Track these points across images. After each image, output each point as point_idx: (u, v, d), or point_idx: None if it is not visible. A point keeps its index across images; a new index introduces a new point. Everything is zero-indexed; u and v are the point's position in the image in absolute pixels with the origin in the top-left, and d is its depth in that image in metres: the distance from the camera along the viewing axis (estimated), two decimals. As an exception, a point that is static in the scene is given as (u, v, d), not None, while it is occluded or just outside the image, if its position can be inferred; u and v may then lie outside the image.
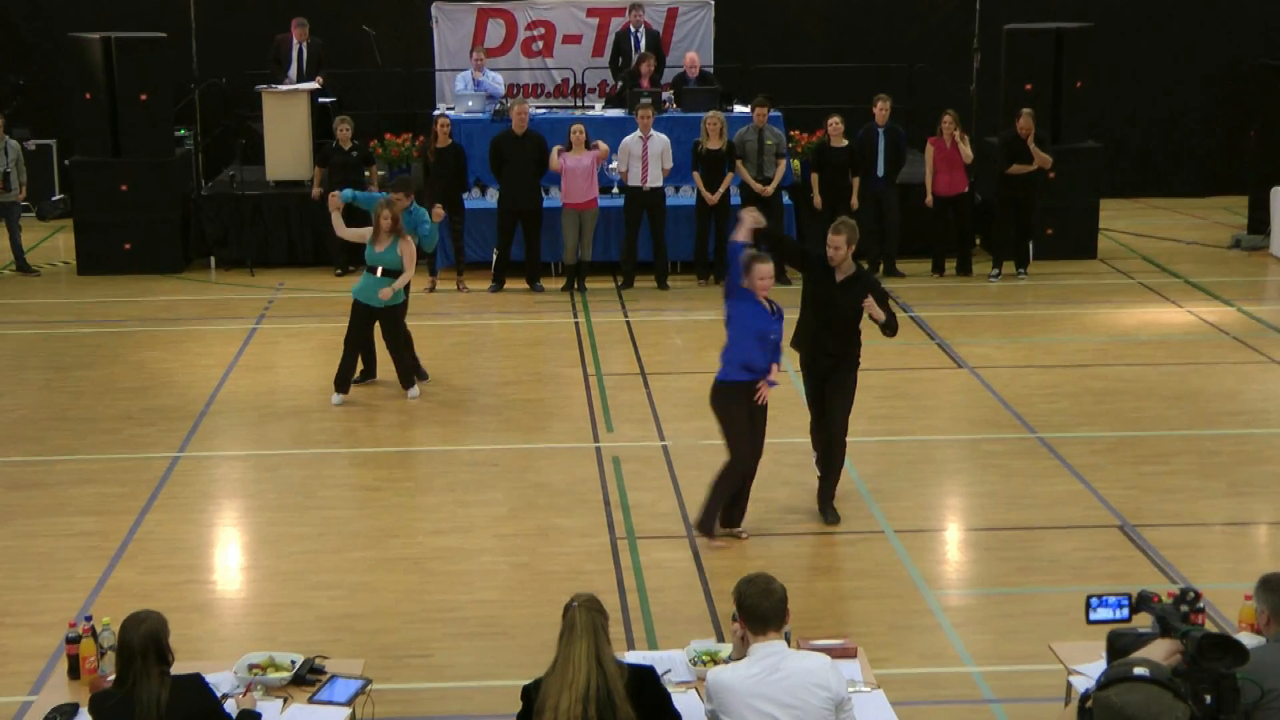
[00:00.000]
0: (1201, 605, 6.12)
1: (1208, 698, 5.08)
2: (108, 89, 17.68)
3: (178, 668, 5.80)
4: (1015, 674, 8.14)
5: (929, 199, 17.28)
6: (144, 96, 17.63)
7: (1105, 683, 4.59)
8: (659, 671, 5.97)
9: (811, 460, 10.60)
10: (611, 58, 19.37)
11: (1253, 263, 18.18)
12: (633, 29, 19.18)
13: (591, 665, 5.47)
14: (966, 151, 17.17)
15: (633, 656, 5.92)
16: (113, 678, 5.86)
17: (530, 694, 5.64)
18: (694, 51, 19.16)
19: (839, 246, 9.77)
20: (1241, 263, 18.18)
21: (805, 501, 10.49)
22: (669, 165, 16.77)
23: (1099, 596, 6.17)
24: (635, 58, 18.72)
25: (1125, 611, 6.11)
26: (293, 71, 18.70)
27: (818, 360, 10.10)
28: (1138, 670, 4.59)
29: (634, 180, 16.69)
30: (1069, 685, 6.59)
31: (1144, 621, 5.98)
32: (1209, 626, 6.15)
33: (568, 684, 5.45)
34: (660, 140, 16.68)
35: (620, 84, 18.82)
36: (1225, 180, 22.05)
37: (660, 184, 16.80)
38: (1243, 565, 9.35)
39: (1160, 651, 5.56)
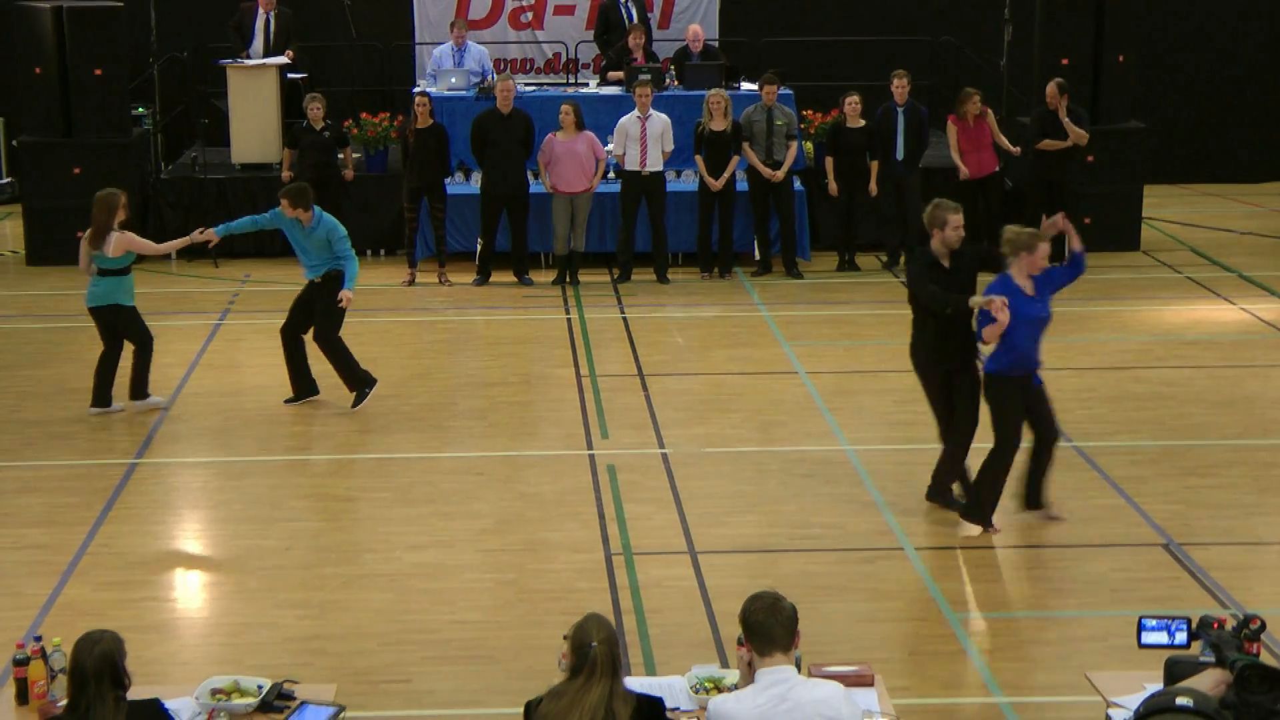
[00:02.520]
0: (1253, 633, 6.13)
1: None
2: (58, 62, 17.69)
3: (134, 692, 5.82)
4: (1047, 706, 8.16)
5: (962, 173, 17.30)
6: (98, 71, 17.64)
7: (1145, 713, 4.60)
8: (667, 703, 6.00)
9: (829, 471, 10.62)
10: (598, 31, 19.33)
11: (1311, 256, 18.22)
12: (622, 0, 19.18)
13: (600, 708, 5.51)
14: (998, 133, 17.22)
15: (629, 684, 5.94)
16: (64, 703, 5.88)
17: (532, 711, 5.66)
18: (697, 24, 19.19)
19: (959, 225, 10.08)
20: (1299, 255, 18.23)
21: (817, 515, 10.52)
22: (669, 148, 16.79)
23: (1154, 618, 6.15)
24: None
25: (1184, 636, 6.09)
26: (258, 44, 18.70)
27: (947, 356, 10.25)
28: (1180, 700, 4.59)
29: (631, 164, 16.71)
30: (1108, 718, 6.61)
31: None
32: (1265, 657, 6.16)
33: None
34: (660, 120, 16.70)
35: (609, 60, 18.77)
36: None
37: (660, 168, 16.82)
38: (1299, 588, 9.39)
39: (1209, 681, 5.56)
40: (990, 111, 17.37)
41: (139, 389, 12.80)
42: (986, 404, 10.10)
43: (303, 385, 12.97)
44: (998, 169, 17.44)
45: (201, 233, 13.00)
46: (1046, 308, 9.93)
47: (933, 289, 10.01)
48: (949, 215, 10.05)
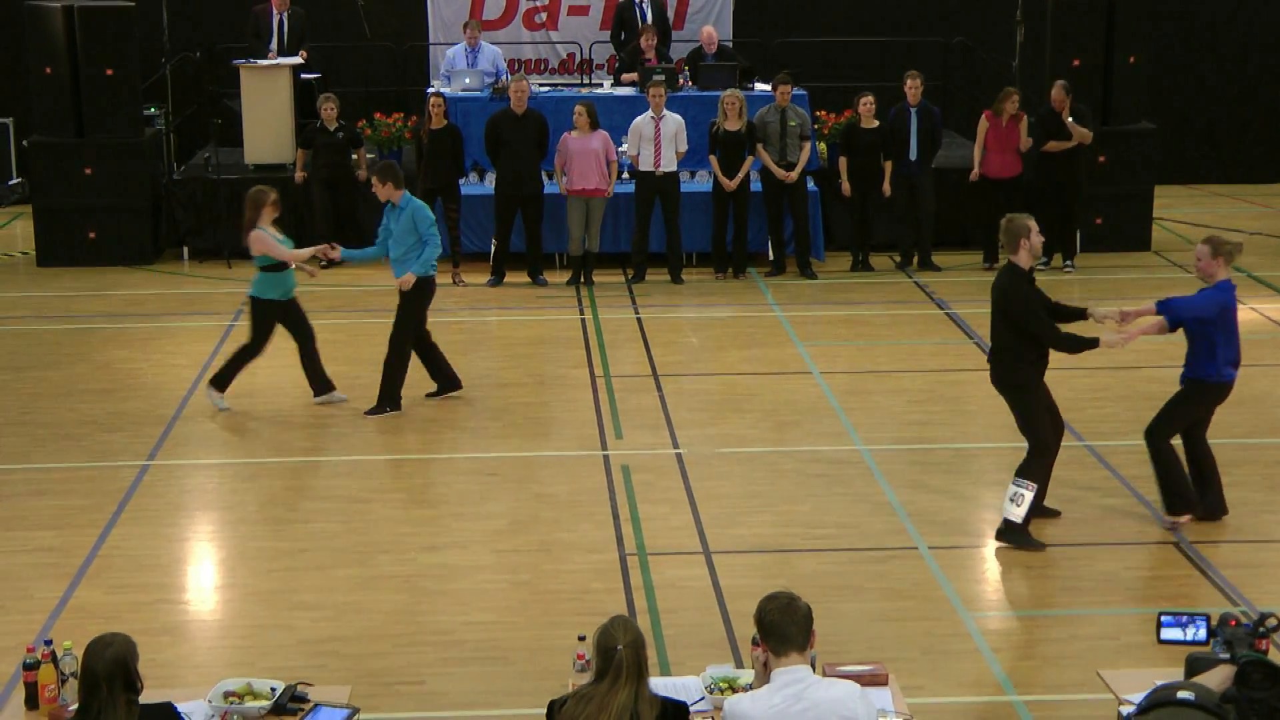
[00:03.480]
0: (1267, 631, 6.10)
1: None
2: (70, 62, 17.70)
3: (147, 696, 5.81)
4: (1061, 704, 8.14)
5: (975, 173, 17.27)
6: (110, 71, 17.65)
7: (1147, 706, 4.61)
8: (691, 705, 5.98)
9: (843, 471, 10.57)
10: (614, 31, 19.37)
11: (1323, 255, 18.17)
12: (638, 1, 19.17)
13: (626, 713, 5.48)
14: (1025, 138, 17.15)
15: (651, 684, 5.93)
16: (75, 707, 5.87)
17: (555, 710, 5.63)
18: (711, 25, 19.18)
19: (1038, 230, 9.97)
20: (1311, 255, 18.18)
21: (831, 515, 10.50)
22: (684, 148, 16.77)
23: (1173, 614, 6.16)
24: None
25: (1202, 633, 6.10)
26: (273, 45, 18.72)
27: (1043, 368, 10.15)
28: (1181, 694, 4.61)
29: (645, 164, 16.70)
30: (1119, 716, 6.58)
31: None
32: (1273, 654, 6.14)
33: None
34: (674, 121, 16.68)
35: (622, 61, 18.77)
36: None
37: (674, 168, 16.81)
38: (1312, 586, 9.35)
39: (1219, 677, 5.57)
40: (1025, 116, 17.26)
41: (221, 379, 12.79)
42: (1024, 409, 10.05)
43: (444, 382, 12.98)
44: (1021, 173, 17.35)
45: (331, 248, 12.95)
46: None
47: (1070, 336, 9.86)
48: (1029, 223, 9.87)
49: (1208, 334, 9.90)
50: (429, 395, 12.95)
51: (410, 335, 12.66)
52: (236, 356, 12.78)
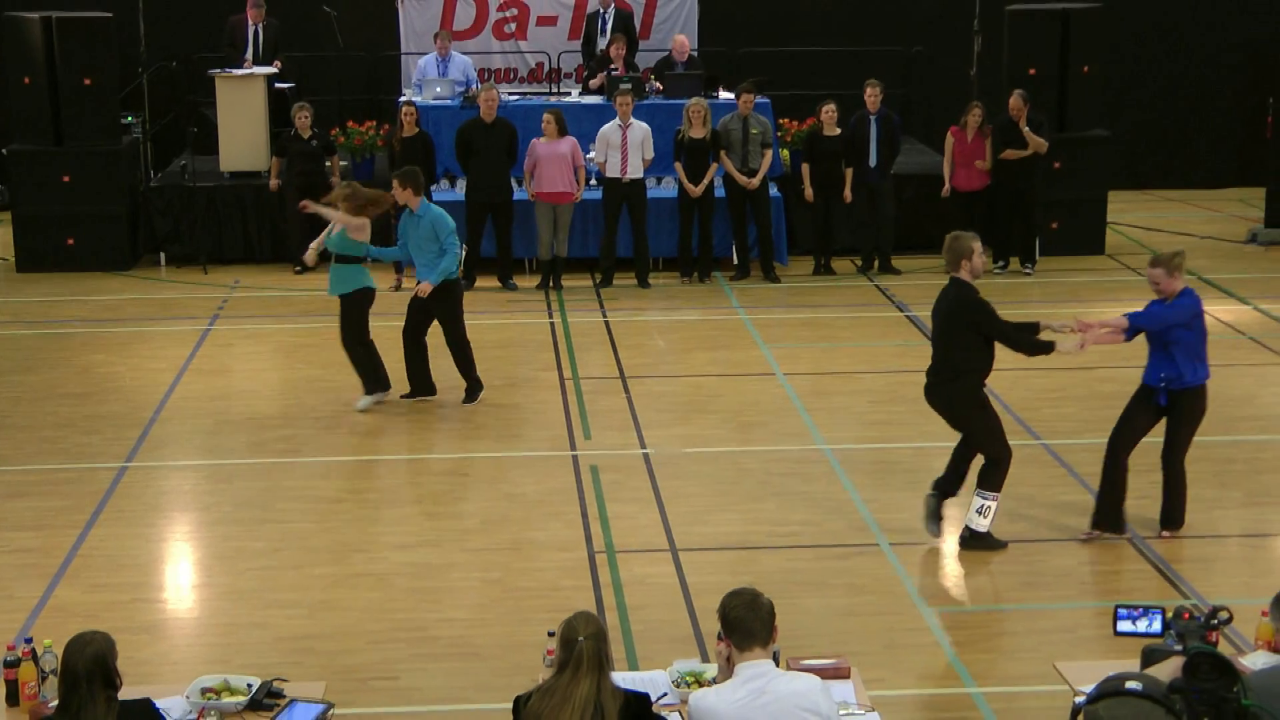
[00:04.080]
0: (1218, 624, 6.15)
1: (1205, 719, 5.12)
2: (48, 72, 17.63)
3: (126, 692, 5.79)
4: (1018, 695, 8.17)
5: (945, 189, 17.34)
6: (88, 80, 17.60)
7: (1096, 696, 4.64)
8: (654, 697, 6.00)
9: (807, 470, 10.60)
10: (583, 42, 19.43)
11: (1270, 258, 18.27)
12: (602, 10, 19.20)
13: (589, 709, 5.49)
14: (988, 154, 17.16)
15: (615, 678, 5.94)
16: (55, 704, 5.86)
17: (521, 705, 5.64)
18: (683, 34, 19.22)
19: (982, 251, 9.84)
20: (1259, 258, 18.28)
21: (795, 513, 10.53)
22: (650, 155, 16.78)
23: (1128, 608, 6.21)
24: (604, 42, 18.77)
25: (1157, 625, 6.14)
26: (248, 55, 18.68)
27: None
28: (1130, 684, 4.64)
29: (613, 171, 16.71)
30: (1075, 707, 6.61)
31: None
32: (1223, 646, 6.19)
33: None
34: (640, 129, 16.69)
35: (590, 70, 18.80)
36: (1244, 170, 22.13)
37: (641, 175, 16.82)
38: (1260, 580, 9.39)
39: (1170, 668, 5.61)
40: (991, 130, 17.30)
41: (371, 382, 12.76)
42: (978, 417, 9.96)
43: (420, 384, 12.94)
44: (988, 185, 17.39)
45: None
46: None
47: (1032, 339, 9.81)
48: (973, 244, 9.71)
49: (1187, 340, 9.80)
50: (403, 396, 12.92)
51: (462, 327, 12.80)
52: (356, 361, 12.72)
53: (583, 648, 5.55)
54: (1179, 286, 9.87)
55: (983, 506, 9.88)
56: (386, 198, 12.70)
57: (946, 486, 10.08)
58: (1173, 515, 10.20)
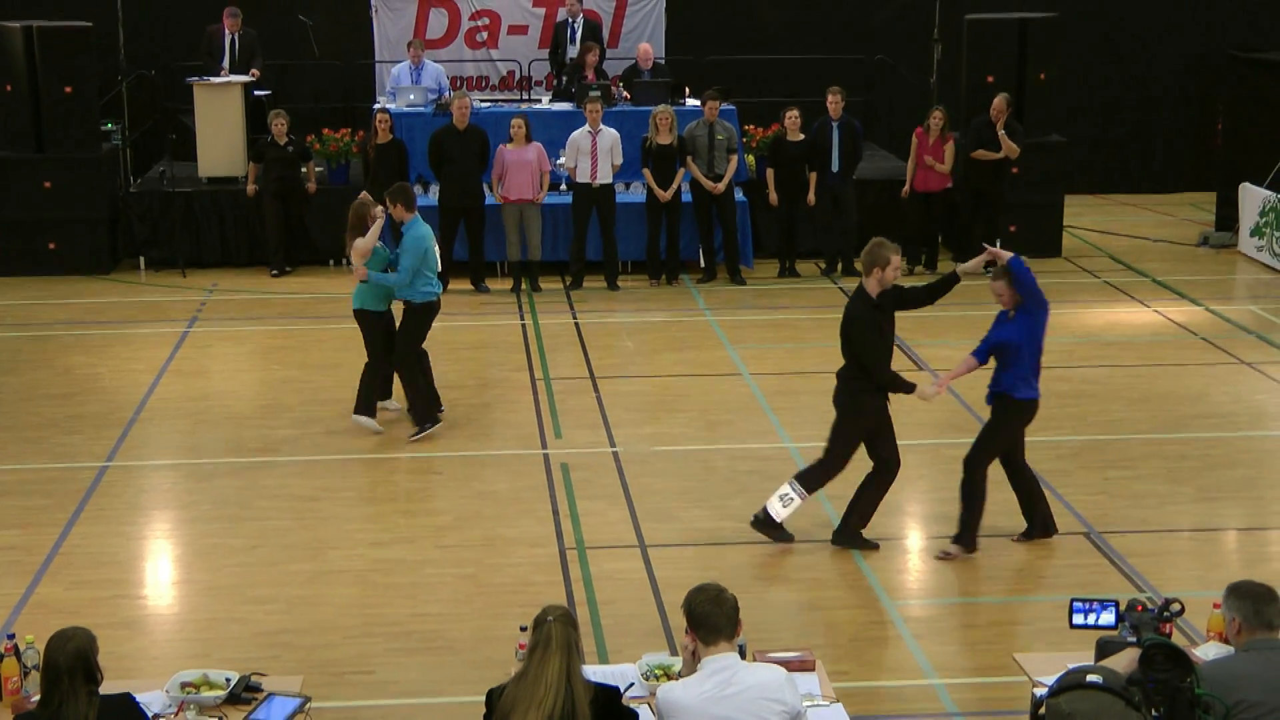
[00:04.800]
0: (1171, 615, 6.18)
1: (1160, 710, 5.14)
2: (29, 80, 17.53)
3: (106, 687, 5.77)
4: (979, 686, 8.21)
5: (905, 190, 17.38)
6: (68, 89, 17.50)
7: (1058, 689, 4.66)
8: (622, 689, 6.00)
9: (772, 467, 10.61)
10: (551, 50, 19.43)
11: (1221, 261, 18.36)
12: (570, 19, 19.19)
13: (561, 684, 5.48)
14: (948, 158, 17.19)
15: (584, 671, 5.94)
16: (37, 699, 5.83)
17: (494, 699, 5.63)
18: (647, 43, 19.21)
19: (899, 265, 9.67)
20: (1210, 261, 18.37)
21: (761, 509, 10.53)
22: (619, 161, 16.78)
23: (1083, 601, 6.23)
24: (573, 50, 18.75)
25: (1110, 618, 6.17)
26: (225, 63, 18.62)
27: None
28: (1090, 678, 4.66)
29: (583, 177, 16.70)
30: (1034, 698, 6.64)
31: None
32: (1176, 637, 6.22)
33: (536, 702, 5.46)
34: (610, 135, 16.69)
35: (565, 78, 18.82)
36: (1195, 176, 22.25)
37: (610, 180, 16.81)
38: (1212, 573, 9.46)
39: (1126, 660, 5.63)
40: (953, 137, 17.32)
41: (364, 405, 12.18)
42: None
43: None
44: (948, 187, 17.43)
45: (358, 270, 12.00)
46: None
47: (893, 374, 9.68)
48: (891, 255, 9.54)
49: (1020, 357, 9.57)
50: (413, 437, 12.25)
51: (411, 353, 12.10)
52: (365, 378, 12.20)
53: (551, 627, 5.55)
54: (1020, 297, 9.59)
55: (786, 495, 9.89)
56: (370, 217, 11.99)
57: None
58: (963, 534, 9.84)
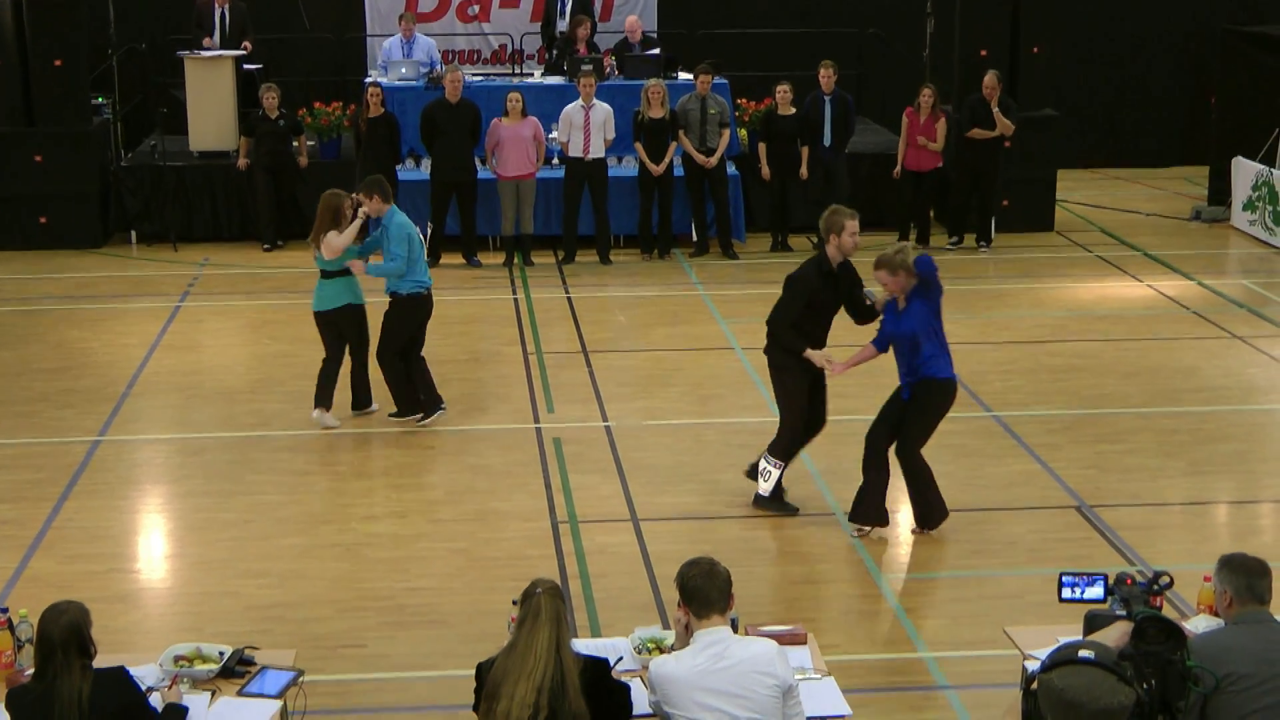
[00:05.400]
0: (1160, 588, 6.20)
1: (1151, 682, 5.15)
2: (19, 53, 17.47)
3: (100, 660, 5.79)
4: (970, 659, 8.23)
5: (897, 170, 17.37)
6: (58, 62, 17.44)
7: (1050, 665, 4.65)
8: (612, 662, 6.02)
9: (764, 441, 10.60)
10: (543, 24, 19.39)
11: (1213, 235, 18.38)
12: None
13: (551, 656, 5.51)
14: (940, 135, 17.14)
15: (575, 645, 5.96)
16: (31, 672, 5.84)
17: (483, 672, 5.65)
18: (635, 15, 19.16)
19: (855, 231, 9.67)
20: (1202, 235, 18.39)
21: (753, 483, 10.52)
22: (611, 135, 16.75)
23: (1072, 575, 6.24)
24: (563, 23, 18.70)
25: (1099, 591, 6.18)
26: (215, 37, 18.55)
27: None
28: (1083, 653, 4.65)
29: (575, 151, 16.68)
30: (1024, 670, 6.67)
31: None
32: (1167, 610, 6.24)
33: (526, 673, 5.49)
34: (602, 109, 16.66)
35: (555, 51, 18.78)
36: (1188, 150, 22.26)
37: (602, 154, 16.79)
38: (1202, 546, 9.49)
39: (1116, 633, 5.65)
40: (944, 115, 17.29)
41: (322, 397, 11.79)
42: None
43: (424, 400, 11.92)
44: (939, 166, 17.41)
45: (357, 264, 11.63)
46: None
47: (791, 335, 9.69)
48: (846, 221, 9.55)
49: (919, 344, 9.42)
50: (391, 415, 11.97)
51: (393, 349, 11.70)
52: (354, 371, 11.92)
53: (539, 600, 5.58)
54: (909, 283, 9.42)
55: (764, 470, 10.01)
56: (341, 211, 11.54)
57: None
58: (928, 514, 9.74)
